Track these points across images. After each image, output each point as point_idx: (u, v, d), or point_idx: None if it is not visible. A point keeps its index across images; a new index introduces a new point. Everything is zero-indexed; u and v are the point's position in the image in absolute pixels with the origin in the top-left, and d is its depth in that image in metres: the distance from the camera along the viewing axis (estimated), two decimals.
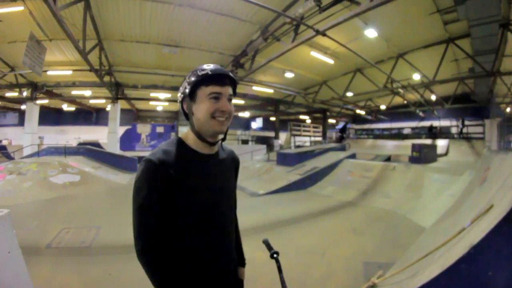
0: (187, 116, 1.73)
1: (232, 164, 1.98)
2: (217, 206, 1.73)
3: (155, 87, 22.11)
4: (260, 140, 33.28)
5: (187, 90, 1.65)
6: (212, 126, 1.65)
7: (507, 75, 18.71)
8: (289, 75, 20.95)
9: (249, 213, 8.86)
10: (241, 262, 2.15)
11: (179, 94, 1.73)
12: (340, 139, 24.72)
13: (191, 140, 1.72)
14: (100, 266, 5.23)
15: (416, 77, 21.10)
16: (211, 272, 1.71)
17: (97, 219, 8.32)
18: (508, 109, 26.62)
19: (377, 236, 7.28)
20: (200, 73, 1.62)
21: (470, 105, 26.47)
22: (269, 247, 2.09)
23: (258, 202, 11.04)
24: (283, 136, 31.76)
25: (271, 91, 24.35)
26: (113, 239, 6.53)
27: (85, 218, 8.40)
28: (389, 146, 25.11)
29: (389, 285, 3.79)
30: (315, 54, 17.82)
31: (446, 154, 20.70)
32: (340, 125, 34.08)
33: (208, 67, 1.65)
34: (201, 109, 1.63)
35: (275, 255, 2.05)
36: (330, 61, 19.18)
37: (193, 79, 1.63)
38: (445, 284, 2.90)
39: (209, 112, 1.63)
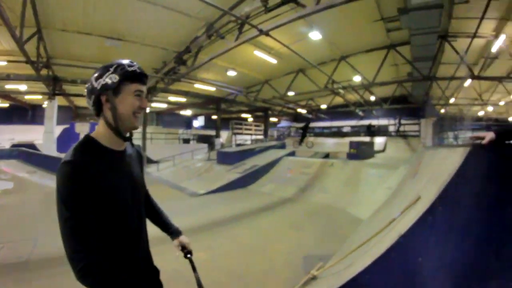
0: (98, 110, 1.69)
1: (139, 159, 2.00)
2: (133, 204, 1.77)
3: None
4: (202, 139, 32.92)
5: (109, 82, 1.63)
6: (133, 122, 1.71)
7: (442, 80, 20.67)
8: (231, 73, 20.89)
9: (189, 214, 8.87)
10: (177, 231, 2.24)
11: (93, 85, 1.66)
12: (302, 138, 25.09)
13: (103, 137, 1.70)
14: (41, 281, 4.89)
15: (357, 79, 21.99)
16: (134, 269, 1.73)
17: (33, 230, 7.53)
18: (442, 110, 29.51)
19: (316, 230, 7.58)
20: (129, 69, 1.68)
21: (407, 106, 28.14)
22: (183, 248, 2.20)
23: (198, 202, 11.03)
24: (225, 134, 31.45)
25: (213, 89, 24.19)
26: (52, 250, 5.72)
27: (20, 230, 7.60)
28: (329, 143, 25.87)
29: (328, 276, 4.01)
30: (258, 53, 18.00)
31: (383, 150, 21.84)
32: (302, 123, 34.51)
33: (133, 64, 1.73)
34: (126, 104, 1.66)
35: (188, 255, 2.17)
36: (273, 61, 19.43)
37: (118, 73, 1.65)
38: (377, 271, 3.20)
39: (133, 108, 1.69)
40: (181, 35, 15.09)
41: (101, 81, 1.64)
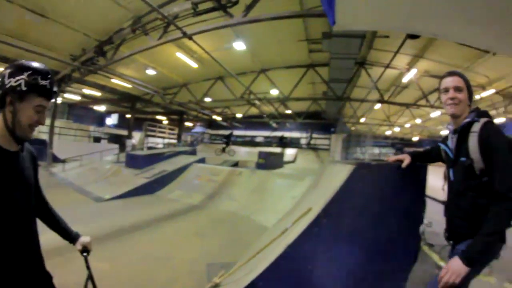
0: (1, 105, 1.65)
1: (32, 161, 1.95)
2: (23, 207, 1.74)
3: (5, 60, 17.33)
4: (114, 139, 31.53)
5: (18, 88, 1.60)
6: (27, 133, 1.70)
7: (355, 101, 23.05)
8: (151, 72, 20.51)
9: (92, 221, 8.22)
10: (77, 235, 2.25)
11: (4, 81, 1.61)
12: (225, 146, 25.03)
13: None
14: None
15: (274, 92, 22.84)
16: (22, 274, 1.70)
17: None
18: (353, 128, 31.61)
19: (221, 238, 7.67)
20: (41, 83, 1.66)
21: (320, 121, 29.95)
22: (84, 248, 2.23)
23: (103, 208, 10.34)
24: (138, 136, 30.32)
25: (130, 86, 23.49)
26: None
27: None
28: (241, 152, 25.65)
29: (229, 283, 4.09)
30: (180, 55, 17.91)
31: (294, 161, 22.30)
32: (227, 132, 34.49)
33: (47, 77, 1.70)
34: (24, 114, 1.65)
35: (84, 254, 2.21)
36: (194, 65, 19.42)
37: (30, 82, 1.63)
38: (270, 278, 3.38)
39: (30, 121, 1.68)
40: (106, 23, 14.32)
41: (12, 82, 1.61)
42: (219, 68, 17.50)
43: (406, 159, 3.19)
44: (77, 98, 27.64)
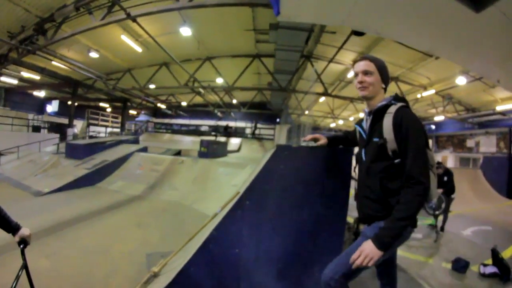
0: None
1: None
2: None
3: None
4: (54, 128, 29.35)
5: None
6: None
7: (299, 93, 23.81)
8: (94, 55, 19.78)
9: (31, 216, 7.87)
10: (17, 227, 2.27)
11: None
12: (227, 135, 24.90)
13: None
14: None
15: (219, 80, 22.83)
16: None
17: None
18: (297, 119, 32.86)
19: (162, 227, 7.69)
20: None
21: (265, 111, 31.07)
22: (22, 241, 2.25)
23: (42, 203, 9.87)
24: (80, 124, 29.20)
25: (71, 70, 21.65)
26: None
27: None
28: (185, 141, 25.76)
29: (167, 272, 4.08)
30: (125, 38, 17.49)
31: (238, 150, 22.62)
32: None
33: None
34: None
35: (21, 245, 2.22)
36: (139, 49, 19.08)
37: None
38: (200, 262, 3.51)
39: None
40: None
41: None
42: (165, 54, 17.12)
43: (322, 140, 3.32)
44: (15, 81, 25.98)
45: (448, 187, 9.04)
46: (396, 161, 2.33)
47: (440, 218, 9.10)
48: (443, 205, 8.90)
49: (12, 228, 2.21)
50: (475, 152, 21.08)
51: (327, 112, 32.91)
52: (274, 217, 3.61)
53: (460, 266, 5.70)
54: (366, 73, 2.48)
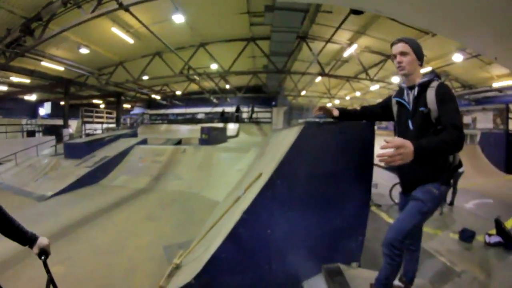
0: None
1: None
2: None
3: None
4: (49, 130, 27.90)
5: None
6: None
7: (295, 74, 24.12)
8: (84, 51, 19.25)
9: (38, 223, 7.60)
10: (33, 237, 2.13)
11: None
12: (236, 119, 24.97)
13: None
14: None
15: (214, 66, 22.78)
16: None
17: None
18: (293, 101, 32.86)
19: (174, 218, 7.71)
20: None
21: (261, 95, 31.19)
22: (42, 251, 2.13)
23: (47, 207, 9.74)
24: (74, 124, 28.37)
25: (62, 69, 21.59)
26: None
27: None
28: (183, 130, 25.64)
29: (190, 262, 4.11)
30: (116, 30, 17.17)
31: (236, 135, 22.56)
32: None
33: None
34: None
35: (42, 257, 2.10)
36: (130, 41, 18.83)
37: None
38: (231, 248, 3.50)
39: None
40: None
41: None
42: (157, 43, 17.17)
43: (334, 111, 3.38)
44: (4, 88, 25.76)
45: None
46: (439, 127, 2.57)
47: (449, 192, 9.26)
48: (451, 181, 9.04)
49: (28, 239, 2.08)
50: (472, 128, 21.20)
51: (323, 92, 33.15)
52: (305, 194, 3.67)
53: (467, 236, 5.89)
54: (403, 53, 2.75)
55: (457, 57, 18.32)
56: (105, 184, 12.53)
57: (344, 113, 3.42)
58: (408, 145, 2.18)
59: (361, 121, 3.52)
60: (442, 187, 2.72)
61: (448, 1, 4.60)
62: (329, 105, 31.22)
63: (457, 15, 5.23)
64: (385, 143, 2.18)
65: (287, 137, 4.03)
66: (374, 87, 28.03)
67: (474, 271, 4.63)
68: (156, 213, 8.31)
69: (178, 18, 15.06)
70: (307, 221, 3.67)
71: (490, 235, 5.84)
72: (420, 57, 2.80)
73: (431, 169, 2.69)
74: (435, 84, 2.67)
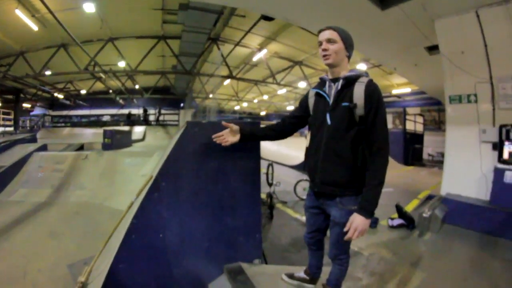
0: None
1: None
2: None
3: None
4: None
5: None
6: None
7: (204, 76, 24.68)
8: None
9: None
10: None
11: None
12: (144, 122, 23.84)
13: None
14: None
15: (122, 64, 22.02)
16: None
17: None
18: (202, 103, 33.96)
19: (77, 232, 7.39)
20: None
21: (169, 96, 30.83)
22: None
23: None
24: None
25: None
26: None
27: None
28: (87, 134, 24.34)
29: (95, 278, 3.95)
30: (20, 13, 14.78)
31: (143, 139, 21.99)
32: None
33: None
34: None
35: None
36: (35, 27, 16.51)
37: None
38: (127, 257, 3.40)
39: None
40: None
41: None
42: (63, 34, 15.76)
43: (234, 136, 3.15)
44: None
45: None
46: (362, 127, 2.49)
47: None
48: None
49: None
50: None
51: (231, 95, 33.69)
52: (192, 195, 3.69)
53: (371, 222, 6.49)
54: (329, 41, 2.58)
55: (362, 66, 19.72)
56: (2, 200, 11.03)
57: (250, 135, 3.25)
58: (358, 223, 2.37)
59: (244, 118, 3.49)
60: (358, 198, 2.54)
61: (355, 17, 4.89)
62: (237, 107, 32.53)
63: (363, 30, 5.62)
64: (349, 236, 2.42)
65: (175, 139, 4.09)
66: (281, 91, 29.47)
67: (380, 252, 5.20)
68: (59, 229, 7.83)
69: (89, 7, 14.00)
70: (200, 222, 3.72)
71: (392, 218, 6.71)
72: (349, 48, 2.66)
73: (352, 171, 2.57)
74: (364, 79, 2.54)
